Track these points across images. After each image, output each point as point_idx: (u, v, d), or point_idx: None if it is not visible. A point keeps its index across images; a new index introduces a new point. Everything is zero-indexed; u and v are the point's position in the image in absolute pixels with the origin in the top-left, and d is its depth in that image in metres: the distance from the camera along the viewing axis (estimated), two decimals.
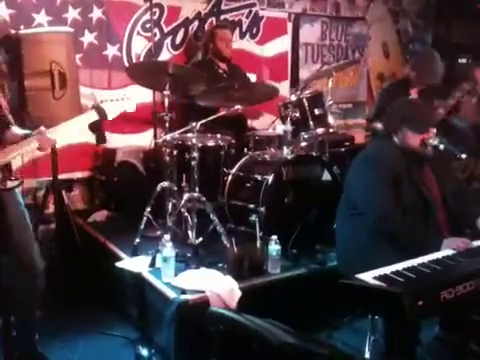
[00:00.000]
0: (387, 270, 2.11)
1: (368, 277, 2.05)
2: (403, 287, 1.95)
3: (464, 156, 2.66)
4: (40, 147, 2.42)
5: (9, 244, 2.45)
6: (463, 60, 5.70)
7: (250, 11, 5.05)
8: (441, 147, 2.62)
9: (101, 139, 2.65)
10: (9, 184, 2.40)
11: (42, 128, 2.45)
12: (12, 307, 2.58)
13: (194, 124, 3.27)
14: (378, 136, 3.42)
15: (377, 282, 2.01)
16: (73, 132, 2.51)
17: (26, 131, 2.49)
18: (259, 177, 3.41)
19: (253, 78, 4.88)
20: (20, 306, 2.60)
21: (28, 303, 2.61)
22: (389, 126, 2.74)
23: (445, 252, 2.35)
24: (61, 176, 3.85)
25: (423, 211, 2.60)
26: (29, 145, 2.41)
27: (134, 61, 4.46)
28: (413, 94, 3.83)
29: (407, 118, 2.63)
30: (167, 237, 2.99)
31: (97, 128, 2.60)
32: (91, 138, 4.18)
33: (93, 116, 2.54)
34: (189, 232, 3.26)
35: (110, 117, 2.61)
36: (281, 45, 5.31)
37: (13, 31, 3.76)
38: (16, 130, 2.51)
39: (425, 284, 2.02)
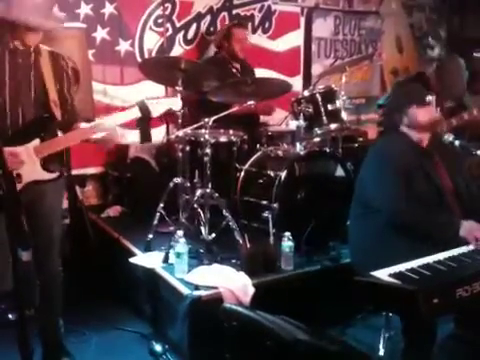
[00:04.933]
0: (402, 267, 2.09)
1: (383, 274, 2.03)
2: (418, 285, 1.92)
3: None
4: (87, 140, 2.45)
5: (34, 240, 2.45)
6: (478, 54, 5.63)
7: (262, 5, 5.03)
8: (456, 143, 2.60)
9: (145, 137, 2.62)
10: (44, 176, 2.42)
11: (85, 124, 2.48)
12: (27, 302, 2.60)
13: (207, 120, 3.26)
14: (387, 132, 3.40)
15: (392, 279, 1.99)
16: (113, 128, 2.51)
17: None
18: (272, 173, 3.40)
19: (265, 73, 4.87)
20: (40, 303, 2.62)
21: (47, 300, 2.63)
22: (395, 114, 2.70)
23: (460, 249, 2.32)
24: (74, 172, 3.88)
25: (437, 203, 2.58)
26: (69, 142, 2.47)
27: (146, 56, 4.47)
28: None
29: (410, 96, 2.63)
30: (180, 233, 3.00)
31: (142, 126, 2.57)
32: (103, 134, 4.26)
33: (136, 113, 2.51)
34: (202, 228, 3.26)
35: (155, 114, 2.58)
36: (294, 40, 5.29)
37: None
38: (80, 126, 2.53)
39: (441, 282, 2.00)
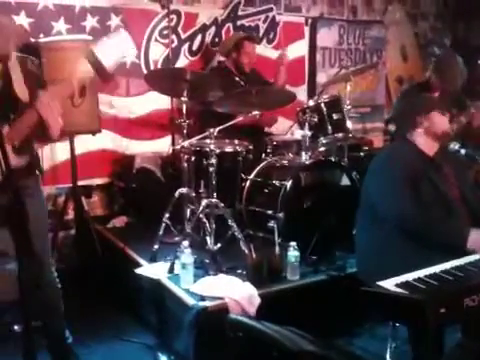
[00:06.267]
0: (409, 277, 2.08)
1: (389, 284, 2.01)
2: (425, 294, 1.91)
3: None
4: (42, 113, 2.34)
5: (29, 248, 2.44)
6: None
7: (267, 16, 5.05)
8: (462, 152, 2.59)
9: (104, 77, 2.46)
10: (17, 162, 2.35)
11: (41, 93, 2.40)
12: (33, 313, 2.60)
13: (212, 130, 3.27)
14: (395, 139, 3.40)
15: (399, 289, 1.98)
16: (73, 86, 2.42)
17: None
18: (277, 183, 3.40)
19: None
20: (42, 313, 2.62)
21: (47, 309, 2.63)
22: (408, 122, 2.67)
23: (467, 258, 2.31)
24: (80, 182, 3.90)
25: (444, 211, 2.57)
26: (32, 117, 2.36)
27: (152, 68, 4.49)
28: None
29: (434, 102, 2.63)
30: (185, 243, 3.00)
31: (100, 72, 2.45)
32: (109, 145, 4.29)
33: (86, 68, 2.39)
34: (207, 238, 3.25)
35: (107, 65, 2.40)
36: (298, 49, 5.30)
37: (33, 39, 3.83)
38: None
39: (448, 291, 1.99)
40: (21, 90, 2.42)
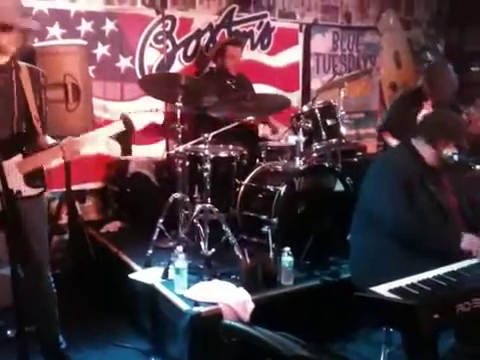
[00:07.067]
0: (402, 283, 2.09)
1: (383, 290, 2.02)
2: (419, 300, 1.92)
3: (478, 167, 2.64)
4: (64, 157, 2.44)
5: (26, 253, 2.45)
6: (476, 68, 5.67)
7: (261, 22, 5.08)
8: (455, 158, 2.60)
9: (126, 151, 2.60)
10: (28, 192, 2.41)
11: (69, 138, 2.47)
12: (27, 318, 2.59)
13: (206, 135, 3.28)
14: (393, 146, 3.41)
15: (392, 295, 1.99)
16: (99, 142, 2.52)
17: (53, 141, 2.53)
18: (271, 188, 3.41)
19: (264, 89, 4.91)
20: (36, 318, 2.61)
21: (43, 319, 2.62)
22: (429, 135, 2.65)
23: (460, 264, 2.32)
24: (74, 187, 3.89)
25: (440, 218, 2.58)
26: (53, 157, 2.45)
27: (146, 73, 4.50)
28: (426, 106, 3.80)
29: (451, 130, 2.63)
30: (180, 248, 2.99)
31: (124, 139, 2.57)
32: (104, 149, 4.28)
33: (120, 126, 2.52)
34: (201, 243, 3.26)
35: (137, 128, 2.59)
36: (292, 55, 5.33)
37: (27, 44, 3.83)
38: (47, 139, 2.54)
39: (441, 297, 1.99)
40: (33, 108, 2.43)
